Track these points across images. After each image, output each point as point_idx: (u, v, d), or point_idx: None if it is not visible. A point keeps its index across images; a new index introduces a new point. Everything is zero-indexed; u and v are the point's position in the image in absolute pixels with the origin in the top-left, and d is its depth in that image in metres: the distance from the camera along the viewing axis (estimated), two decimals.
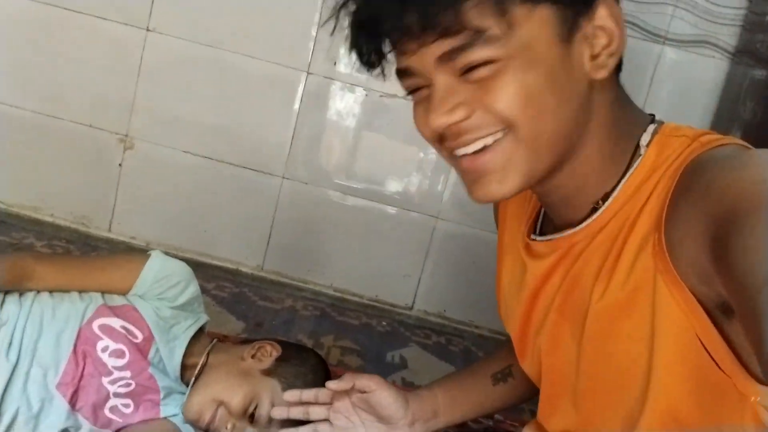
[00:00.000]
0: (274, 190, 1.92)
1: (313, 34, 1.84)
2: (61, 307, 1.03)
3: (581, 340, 0.71)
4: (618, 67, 0.67)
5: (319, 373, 1.14)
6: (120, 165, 1.95)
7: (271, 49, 1.85)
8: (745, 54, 1.67)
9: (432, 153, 1.84)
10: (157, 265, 1.14)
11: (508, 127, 0.62)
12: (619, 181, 0.67)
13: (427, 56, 0.61)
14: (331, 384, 0.97)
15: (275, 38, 1.85)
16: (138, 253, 1.22)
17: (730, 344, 0.60)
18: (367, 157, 1.90)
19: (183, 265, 1.17)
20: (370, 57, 0.65)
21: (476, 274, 1.87)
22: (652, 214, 0.63)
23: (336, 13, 0.64)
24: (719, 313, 0.60)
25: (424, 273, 1.93)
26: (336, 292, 1.95)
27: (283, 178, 1.91)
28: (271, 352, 1.13)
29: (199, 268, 1.89)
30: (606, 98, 0.66)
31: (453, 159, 0.67)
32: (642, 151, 0.66)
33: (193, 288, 1.17)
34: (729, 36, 1.73)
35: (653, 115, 0.70)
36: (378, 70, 0.67)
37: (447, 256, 1.92)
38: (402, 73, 0.65)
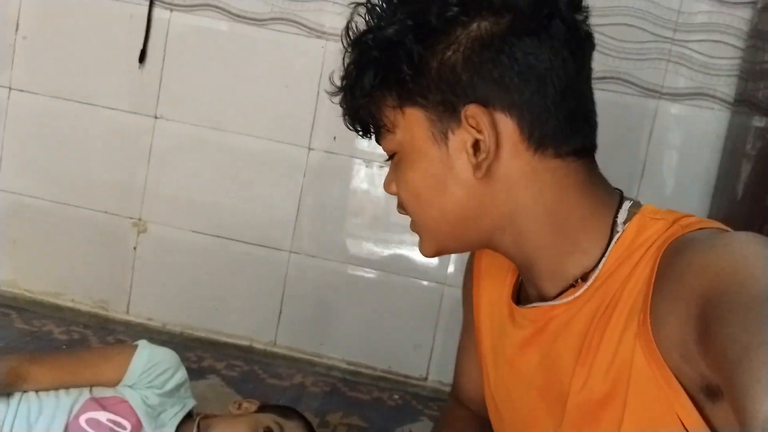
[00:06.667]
0: (282, 264, 1.94)
1: (313, 111, 1.89)
2: (48, 403, 1.05)
3: (560, 425, 0.70)
4: (586, 150, 0.70)
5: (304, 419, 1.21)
6: (135, 248, 2.00)
7: (273, 128, 1.91)
8: (743, 103, 1.64)
9: None
10: (145, 356, 1.16)
11: (406, 210, 0.75)
12: (599, 260, 0.68)
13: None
14: None
15: (277, 117, 1.91)
16: (126, 344, 1.24)
17: (713, 429, 0.59)
18: (371, 226, 1.91)
19: (170, 352, 1.19)
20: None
21: None
22: (633, 294, 0.64)
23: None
24: (703, 397, 0.59)
25: (435, 342, 1.91)
26: (349, 365, 1.93)
27: (291, 252, 1.94)
28: (250, 407, 1.20)
29: (211, 347, 1.92)
30: (550, 181, 0.68)
31: None
32: (619, 228, 0.68)
33: (181, 374, 1.18)
34: (726, 86, 1.70)
35: (621, 191, 0.72)
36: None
37: (458, 323, 1.88)
38: None
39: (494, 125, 0.66)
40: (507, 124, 0.66)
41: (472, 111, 0.65)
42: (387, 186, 0.76)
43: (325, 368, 1.91)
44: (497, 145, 0.66)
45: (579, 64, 0.68)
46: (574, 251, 0.69)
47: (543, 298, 0.73)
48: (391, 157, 0.74)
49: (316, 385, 1.77)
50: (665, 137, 1.76)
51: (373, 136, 0.75)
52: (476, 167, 0.67)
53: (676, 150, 1.77)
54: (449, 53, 0.66)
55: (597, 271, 0.67)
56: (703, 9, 1.71)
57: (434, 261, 1.88)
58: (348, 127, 0.76)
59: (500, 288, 0.82)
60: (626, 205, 0.70)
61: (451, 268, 1.88)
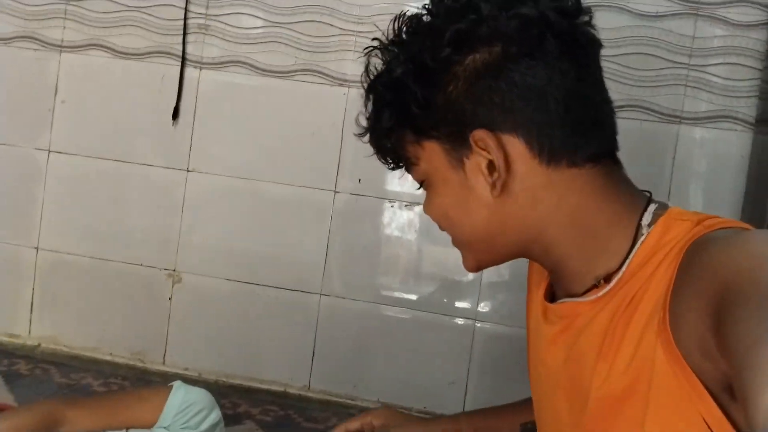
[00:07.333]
0: (314, 307, 1.96)
1: (338, 156, 1.93)
2: None
3: (580, 421, 0.70)
4: (604, 154, 0.71)
5: None
6: (170, 299, 2.05)
7: (300, 175, 1.96)
8: (765, 123, 1.63)
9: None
10: (180, 397, 1.17)
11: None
12: (624, 260, 0.69)
13: None
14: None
15: (303, 164, 1.96)
16: (161, 385, 1.26)
17: (738, 428, 0.58)
18: (400, 265, 1.93)
19: (205, 392, 1.20)
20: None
21: (522, 374, 1.81)
22: (656, 293, 0.64)
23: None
24: (726, 396, 0.59)
25: (470, 378, 1.89)
26: (383, 406, 1.92)
27: (321, 294, 1.95)
28: None
29: (246, 393, 1.93)
30: (568, 190, 0.70)
31: None
32: (644, 230, 0.68)
33: (215, 414, 1.19)
34: (747, 107, 1.71)
35: (650, 193, 0.73)
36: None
37: (491, 358, 1.87)
38: None
39: (502, 146, 0.69)
40: (515, 144, 0.69)
41: (479, 135, 0.69)
42: (425, 209, 0.81)
43: (360, 410, 1.89)
44: (507, 164, 0.69)
45: (583, 71, 0.69)
46: (600, 254, 0.70)
47: (570, 297, 0.75)
48: (421, 184, 0.79)
49: None
50: (689, 161, 1.76)
51: (403, 168, 0.80)
52: (492, 187, 0.70)
53: (701, 173, 1.76)
54: (451, 88, 0.70)
55: (620, 273, 0.68)
56: (717, 33, 1.72)
57: (465, 299, 1.88)
58: (381, 162, 0.80)
59: (537, 290, 0.84)
60: (652, 207, 0.70)
61: (481, 305, 1.87)
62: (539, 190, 0.70)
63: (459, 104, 0.69)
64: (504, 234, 0.73)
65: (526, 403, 1.08)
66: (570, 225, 0.71)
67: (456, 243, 0.79)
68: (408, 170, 0.78)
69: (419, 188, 0.79)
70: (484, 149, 0.69)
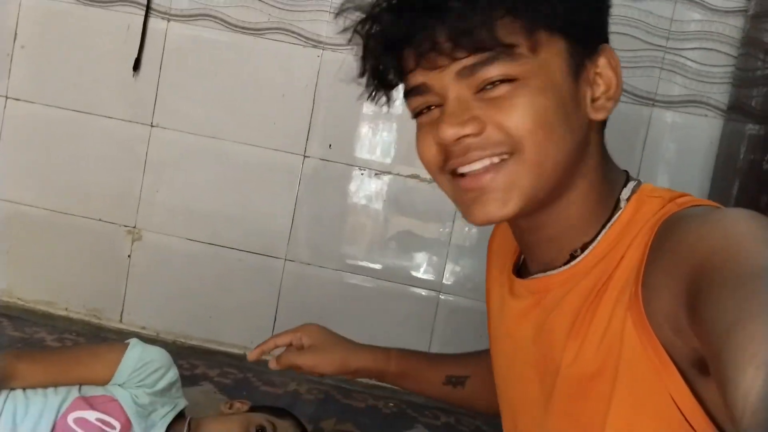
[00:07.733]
0: (278, 272, 1.93)
1: (308, 119, 1.89)
2: (35, 402, 1.04)
3: (550, 398, 0.70)
4: (603, 125, 0.72)
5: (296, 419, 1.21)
6: (129, 256, 2.00)
7: (269, 137, 1.91)
8: (736, 110, 1.65)
9: (430, 224, 1.84)
10: (136, 354, 1.15)
11: (516, 147, 0.63)
12: (598, 233, 0.69)
13: (448, 71, 0.63)
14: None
15: (273, 126, 1.91)
16: (117, 342, 1.23)
17: (703, 404, 0.59)
18: (366, 234, 1.91)
19: (162, 351, 1.18)
20: (386, 76, 0.68)
21: (483, 347, 1.83)
22: (628, 269, 0.64)
23: (362, 26, 0.66)
24: (695, 371, 0.59)
25: (431, 349, 1.89)
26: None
27: (286, 259, 1.93)
28: (242, 407, 1.20)
29: (205, 355, 1.91)
30: (598, 145, 0.70)
31: (453, 180, 0.67)
32: (622, 205, 0.69)
33: (172, 374, 1.17)
34: (720, 94, 1.72)
35: (627, 172, 0.73)
36: (384, 98, 0.71)
37: (452, 330, 1.88)
38: (414, 92, 0.67)
39: (619, 75, 0.68)
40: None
41: (609, 50, 0.68)
42: (464, 123, 0.63)
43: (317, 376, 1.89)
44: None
45: None
46: (586, 223, 0.70)
47: (540, 271, 0.74)
48: (481, 89, 0.63)
49: (310, 392, 1.76)
50: (659, 144, 1.77)
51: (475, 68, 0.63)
52: (599, 109, 0.67)
53: (670, 156, 1.78)
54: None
55: (592, 246, 0.68)
56: (695, 18, 1.72)
57: (430, 270, 1.87)
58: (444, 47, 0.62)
59: (503, 265, 0.84)
60: (631, 184, 0.71)
61: (446, 276, 1.87)
62: (599, 138, 0.70)
63: (603, 16, 0.69)
64: (567, 170, 0.66)
65: (458, 358, 1.10)
66: (593, 186, 0.69)
67: (524, 166, 0.63)
68: (492, 60, 0.61)
69: (483, 88, 0.63)
70: (607, 65, 0.67)
